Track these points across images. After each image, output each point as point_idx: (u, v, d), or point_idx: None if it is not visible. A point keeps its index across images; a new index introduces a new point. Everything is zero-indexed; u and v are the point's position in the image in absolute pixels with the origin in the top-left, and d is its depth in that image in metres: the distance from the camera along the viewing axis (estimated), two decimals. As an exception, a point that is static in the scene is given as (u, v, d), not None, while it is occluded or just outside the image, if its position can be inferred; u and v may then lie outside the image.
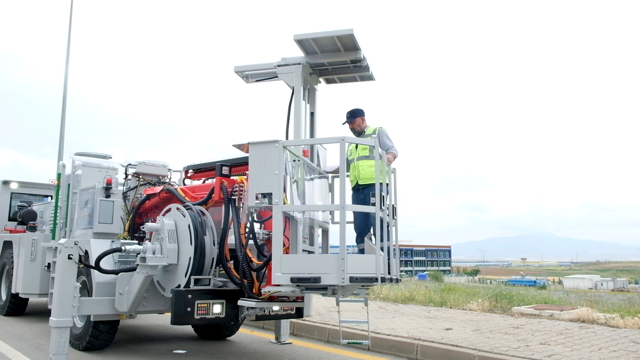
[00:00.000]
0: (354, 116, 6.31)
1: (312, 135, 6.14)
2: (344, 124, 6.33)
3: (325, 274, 4.63)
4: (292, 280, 4.69)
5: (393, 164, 5.95)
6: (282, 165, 4.90)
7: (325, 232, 6.11)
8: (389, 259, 5.38)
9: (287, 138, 5.76)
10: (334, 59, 5.67)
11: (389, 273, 5.34)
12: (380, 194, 5.07)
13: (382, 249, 5.50)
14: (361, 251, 5.65)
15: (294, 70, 5.71)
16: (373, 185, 5.59)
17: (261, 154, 4.98)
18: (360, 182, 6.08)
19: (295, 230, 5.16)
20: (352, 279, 4.59)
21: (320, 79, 6.25)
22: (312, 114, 6.19)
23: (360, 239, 5.84)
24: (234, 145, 6.09)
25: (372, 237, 5.62)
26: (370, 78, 6.20)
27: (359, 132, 6.31)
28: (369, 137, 5.97)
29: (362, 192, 5.99)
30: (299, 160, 5.39)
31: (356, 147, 6.21)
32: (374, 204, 5.04)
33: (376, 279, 4.72)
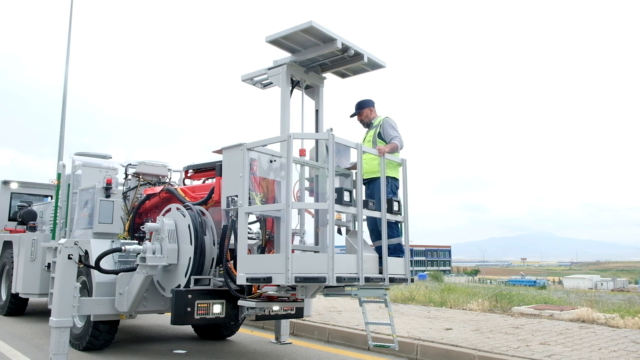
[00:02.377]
0: (361, 107, 6.14)
1: (317, 131, 6.05)
2: (352, 116, 6.19)
3: (275, 273, 4.64)
4: (247, 280, 4.81)
5: (402, 155, 5.81)
6: (247, 168, 4.99)
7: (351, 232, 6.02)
8: (381, 258, 5.29)
9: None
10: (319, 53, 5.56)
11: (381, 272, 5.21)
12: (369, 189, 5.11)
13: (391, 246, 5.46)
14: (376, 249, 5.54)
15: (280, 71, 5.70)
16: (377, 179, 5.55)
17: (230, 158, 5.17)
18: (364, 177, 5.85)
19: (278, 230, 5.20)
20: (297, 279, 4.55)
21: (329, 74, 6.15)
22: (316, 111, 6.15)
23: (373, 236, 5.70)
24: (213, 152, 6.06)
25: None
26: (377, 66, 5.99)
27: (367, 124, 6.13)
28: (375, 128, 5.90)
29: (368, 187, 5.84)
30: (274, 161, 5.40)
31: (364, 139, 6.05)
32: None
33: (323, 279, 4.57)
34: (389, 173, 5.61)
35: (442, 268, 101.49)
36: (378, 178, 5.53)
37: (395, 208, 5.50)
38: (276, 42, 5.50)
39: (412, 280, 5.81)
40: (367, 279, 4.91)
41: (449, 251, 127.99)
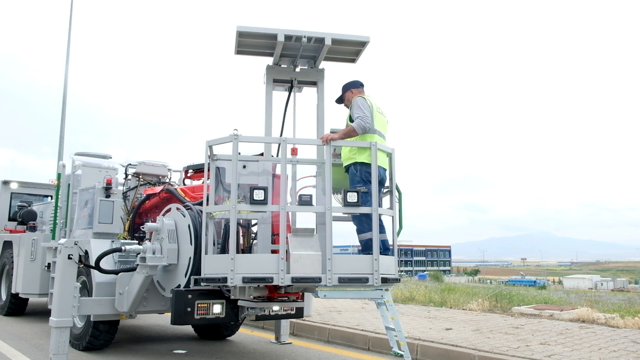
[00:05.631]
0: (343, 91, 5.77)
1: (318, 127, 5.99)
2: (337, 101, 5.89)
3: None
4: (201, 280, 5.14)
5: (392, 146, 5.49)
6: (212, 175, 5.26)
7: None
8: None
9: (281, 136, 5.80)
10: (279, 50, 5.52)
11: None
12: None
13: (362, 242, 5.23)
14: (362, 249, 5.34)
15: (265, 76, 5.75)
16: (349, 166, 5.37)
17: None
18: (344, 164, 5.56)
19: (260, 231, 5.33)
20: (203, 280, 4.97)
21: (342, 64, 6.06)
22: (317, 105, 6.11)
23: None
24: None
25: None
26: (363, 43, 5.64)
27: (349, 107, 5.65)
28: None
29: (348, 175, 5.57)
30: (245, 167, 5.48)
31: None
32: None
33: (224, 279, 4.71)
34: (358, 159, 5.24)
35: (442, 268, 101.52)
36: (349, 166, 5.34)
37: (353, 199, 4.92)
38: (241, 52, 5.63)
39: (386, 281, 4.97)
40: (297, 279, 4.67)
41: (449, 251, 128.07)
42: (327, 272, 4.74)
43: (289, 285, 4.78)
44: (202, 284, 5.05)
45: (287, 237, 4.82)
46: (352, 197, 4.93)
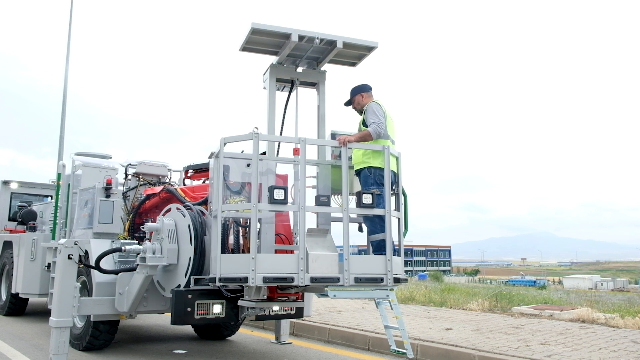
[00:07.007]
0: (352, 94, 5.84)
1: (318, 128, 5.94)
2: (346, 104, 5.95)
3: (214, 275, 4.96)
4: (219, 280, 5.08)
5: (398, 149, 5.56)
6: (219, 175, 5.11)
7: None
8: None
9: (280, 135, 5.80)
10: (290, 50, 5.52)
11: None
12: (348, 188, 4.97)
13: (374, 243, 5.29)
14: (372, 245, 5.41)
15: (268, 75, 5.74)
16: (362, 170, 5.44)
17: (212, 166, 5.36)
18: (355, 167, 5.67)
19: (262, 231, 5.32)
20: (220, 279, 4.86)
21: (342, 67, 6.07)
22: (317, 107, 6.10)
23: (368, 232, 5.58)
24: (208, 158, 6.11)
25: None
26: (370, 47, 5.67)
27: (360, 111, 5.76)
28: (363, 115, 5.68)
29: (356, 179, 5.69)
30: (249, 165, 5.44)
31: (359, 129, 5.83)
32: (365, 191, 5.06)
33: (245, 279, 4.71)
34: (372, 163, 5.37)
35: (442, 268, 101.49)
36: (363, 169, 5.40)
37: (367, 201, 5.05)
38: (247, 49, 5.60)
39: (398, 281, 5.13)
40: (316, 279, 4.71)
41: (449, 251, 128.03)
42: (344, 272, 4.81)
43: (306, 285, 4.80)
44: (218, 283, 4.90)
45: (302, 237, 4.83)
46: (367, 198, 5.04)
